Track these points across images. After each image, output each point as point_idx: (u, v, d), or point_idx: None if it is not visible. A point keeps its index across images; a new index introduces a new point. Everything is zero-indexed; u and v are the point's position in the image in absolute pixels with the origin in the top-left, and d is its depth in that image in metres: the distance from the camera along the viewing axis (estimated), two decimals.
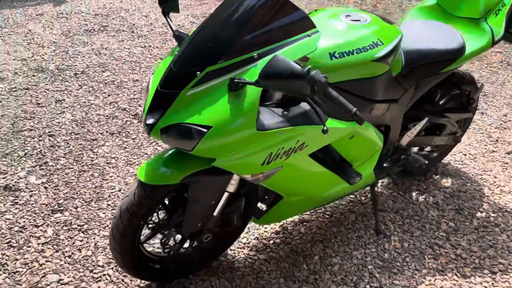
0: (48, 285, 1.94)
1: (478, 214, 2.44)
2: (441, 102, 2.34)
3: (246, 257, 2.13)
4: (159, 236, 1.82)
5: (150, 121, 1.46)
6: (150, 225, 1.80)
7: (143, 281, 1.96)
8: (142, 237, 1.82)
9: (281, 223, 2.33)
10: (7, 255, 2.06)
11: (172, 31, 1.67)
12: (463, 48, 2.08)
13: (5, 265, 2.01)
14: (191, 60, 1.45)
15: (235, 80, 1.39)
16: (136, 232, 1.67)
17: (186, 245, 1.92)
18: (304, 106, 1.61)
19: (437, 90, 2.27)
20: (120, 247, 1.67)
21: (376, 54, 1.69)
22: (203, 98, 1.43)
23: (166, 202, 1.81)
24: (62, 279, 1.96)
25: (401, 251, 2.18)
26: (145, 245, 1.88)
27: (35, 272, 1.99)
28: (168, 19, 1.69)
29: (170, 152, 1.64)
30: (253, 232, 2.27)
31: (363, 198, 2.52)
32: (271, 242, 2.22)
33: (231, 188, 1.73)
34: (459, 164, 2.85)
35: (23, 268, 2.01)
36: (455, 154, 2.93)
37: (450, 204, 2.49)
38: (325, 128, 1.44)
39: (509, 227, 2.35)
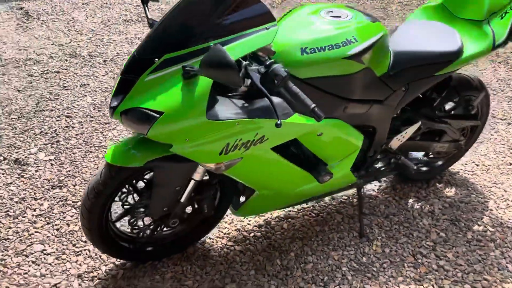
0: (32, 253, 2.07)
1: (475, 227, 2.33)
2: (438, 107, 2.25)
3: (223, 246, 2.17)
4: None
5: (113, 104, 1.52)
6: (125, 206, 1.88)
7: (119, 259, 2.05)
8: (114, 216, 1.90)
9: (266, 217, 2.34)
10: (2, 223, 2.22)
11: (147, 20, 1.73)
12: (459, 51, 1.99)
13: None
14: (151, 47, 1.50)
15: (186, 68, 1.42)
16: (103, 210, 1.75)
17: (158, 228, 1.97)
18: (267, 100, 1.61)
19: (433, 94, 2.19)
20: (88, 223, 1.76)
21: (348, 51, 1.66)
22: (160, 85, 1.47)
23: (142, 184, 1.88)
24: (46, 250, 2.09)
25: (381, 257, 2.13)
26: (118, 224, 1.96)
27: (24, 240, 2.13)
28: (146, 7, 1.75)
29: (137, 136, 1.70)
30: (236, 223, 2.29)
31: (355, 200, 2.47)
32: (252, 234, 2.24)
33: (197, 176, 1.77)
34: (468, 174, 2.72)
35: (14, 236, 2.15)
36: (466, 164, 2.80)
37: (447, 214, 2.39)
38: (278, 122, 1.45)
39: (506, 244, 2.22)
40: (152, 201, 1.78)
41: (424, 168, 2.54)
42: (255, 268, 2.06)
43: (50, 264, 2.02)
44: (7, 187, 2.44)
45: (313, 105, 1.45)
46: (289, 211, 2.39)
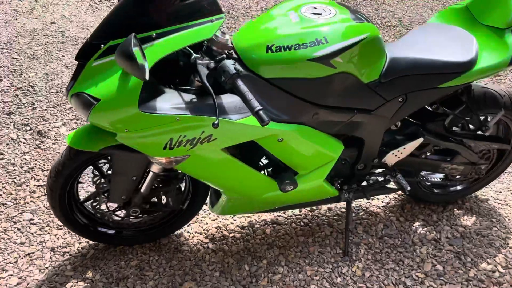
0: (20, 221, 2.18)
1: (483, 265, 2.04)
2: (453, 123, 1.99)
3: (198, 242, 2.12)
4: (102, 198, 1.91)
5: (68, 87, 1.54)
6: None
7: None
8: (81, 197, 1.94)
9: (251, 218, 2.25)
10: (6, 189, 2.37)
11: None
12: (470, 63, 1.73)
13: (0, 196, 2.32)
14: (100, 33, 1.48)
15: None
16: (64, 189, 1.78)
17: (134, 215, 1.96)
18: (224, 97, 1.53)
19: (441, 108, 1.92)
20: (51, 201, 1.81)
21: (314, 53, 1.51)
22: (104, 71, 1.45)
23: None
24: (33, 219, 2.19)
25: (358, 280, 1.94)
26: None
27: (18, 208, 2.26)
28: None
29: None
30: (220, 221, 2.23)
31: (352, 215, 2.28)
32: (231, 235, 2.16)
33: (155, 168, 1.73)
34: (499, 203, 2.39)
35: (11, 202, 2.29)
36: (500, 191, 2.46)
37: (454, 245, 2.12)
38: (215, 122, 1.37)
39: None
40: (111, 187, 1.78)
41: (437, 190, 2.27)
42: (222, 270, 1.98)
43: (32, 233, 2.12)
44: (22, 156, 2.60)
45: (258, 107, 1.35)
46: (278, 215, 2.27)
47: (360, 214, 2.29)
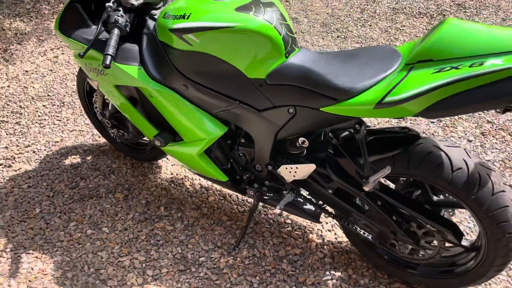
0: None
1: None
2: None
3: (162, 178, 2.45)
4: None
5: None
6: None
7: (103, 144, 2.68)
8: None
9: (213, 186, 2.39)
10: None
11: None
12: (347, 91, 1.41)
13: None
14: None
15: None
16: (81, 92, 2.43)
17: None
18: (126, 44, 1.83)
19: (334, 139, 1.59)
20: (81, 104, 2.50)
21: (173, 24, 1.63)
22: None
23: None
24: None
25: (213, 269, 1.92)
26: None
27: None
28: None
29: None
30: (193, 176, 2.47)
31: (287, 228, 2.12)
32: (189, 187, 2.39)
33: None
34: None
35: None
36: None
37: None
38: (80, 53, 1.72)
39: None
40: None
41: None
42: (148, 200, 2.28)
43: (86, 124, 2.89)
44: None
45: (107, 52, 1.64)
46: (236, 195, 2.33)
47: (296, 232, 2.10)
